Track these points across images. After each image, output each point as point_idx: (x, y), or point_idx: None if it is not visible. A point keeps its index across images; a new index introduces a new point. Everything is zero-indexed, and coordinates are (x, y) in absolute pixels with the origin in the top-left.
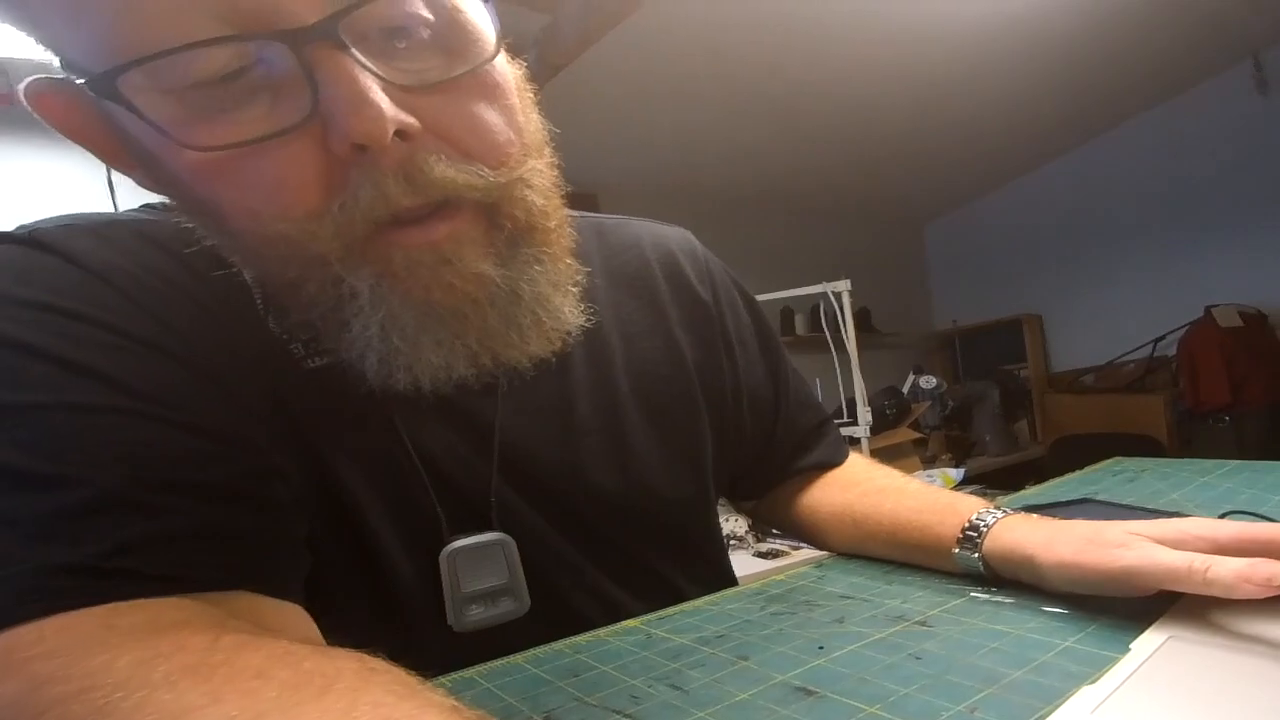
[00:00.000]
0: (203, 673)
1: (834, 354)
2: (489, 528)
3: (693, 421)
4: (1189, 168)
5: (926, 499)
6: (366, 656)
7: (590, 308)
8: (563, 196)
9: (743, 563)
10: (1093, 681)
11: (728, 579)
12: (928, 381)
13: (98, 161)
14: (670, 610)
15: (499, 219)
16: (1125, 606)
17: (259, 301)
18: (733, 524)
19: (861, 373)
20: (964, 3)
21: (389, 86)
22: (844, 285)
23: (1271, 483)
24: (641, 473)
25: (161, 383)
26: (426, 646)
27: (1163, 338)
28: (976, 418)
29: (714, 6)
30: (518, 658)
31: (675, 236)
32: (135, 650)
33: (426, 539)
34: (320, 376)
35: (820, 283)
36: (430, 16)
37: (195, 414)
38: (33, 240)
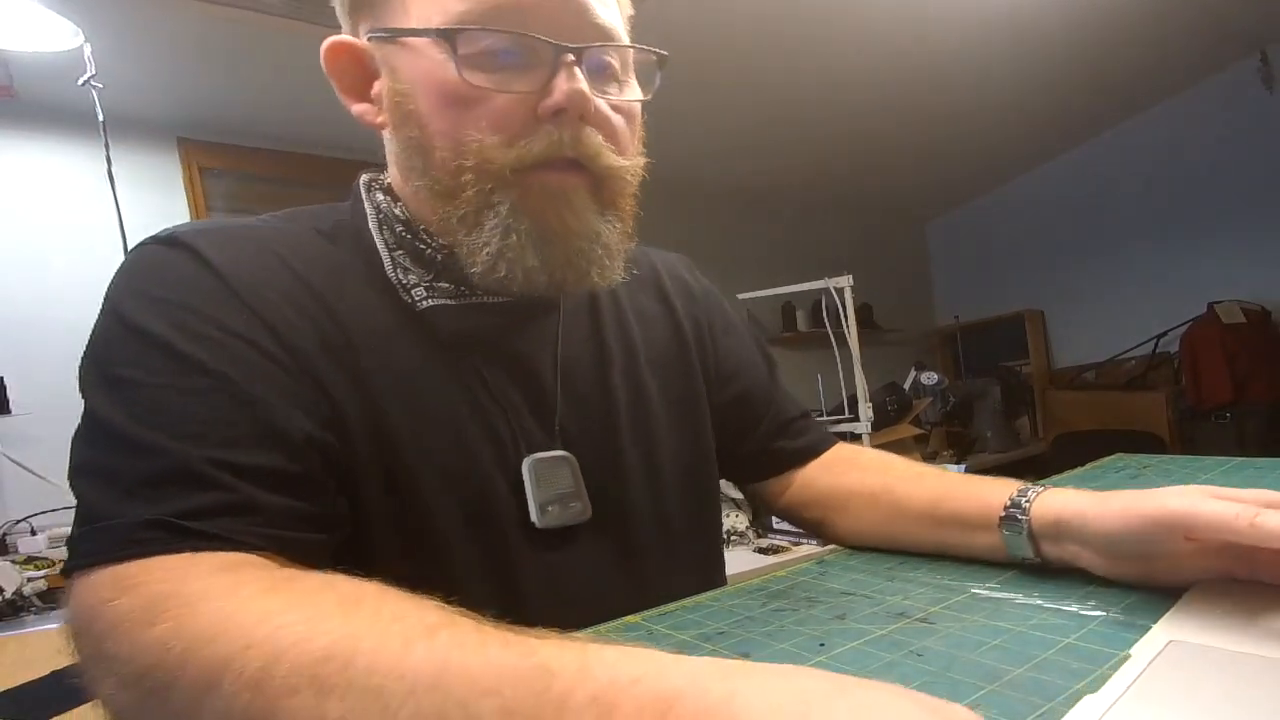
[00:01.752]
0: (277, 590)
1: (835, 350)
2: (555, 447)
3: (694, 391)
4: (1193, 163)
5: (969, 478)
6: (382, 585)
7: (614, 297)
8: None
9: (743, 559)
10: (1094, 691)
11: (719, 560)
12: (929, 378)
13: (95, 157)
14: (671, 606)
15: (602, 188)
16: (1126, 604)
17: (385, 258)
18: (733, 520)
19: (863, 369)
20: (967, 1)
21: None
22: (846, 281)
23: (1273, 480)
24: (652, 423)
25: (249, 373)
26: (514, 547)
27: (1165, 334)
28: (978, 414)
29: (716, 4)
30: None
31: (674, 255)
32: (221, 578)
33: (509, 455)
34: (426, 317)
35: (822, 278)
36: (617, 66)
37: (269, 404)
38: (171, 240)
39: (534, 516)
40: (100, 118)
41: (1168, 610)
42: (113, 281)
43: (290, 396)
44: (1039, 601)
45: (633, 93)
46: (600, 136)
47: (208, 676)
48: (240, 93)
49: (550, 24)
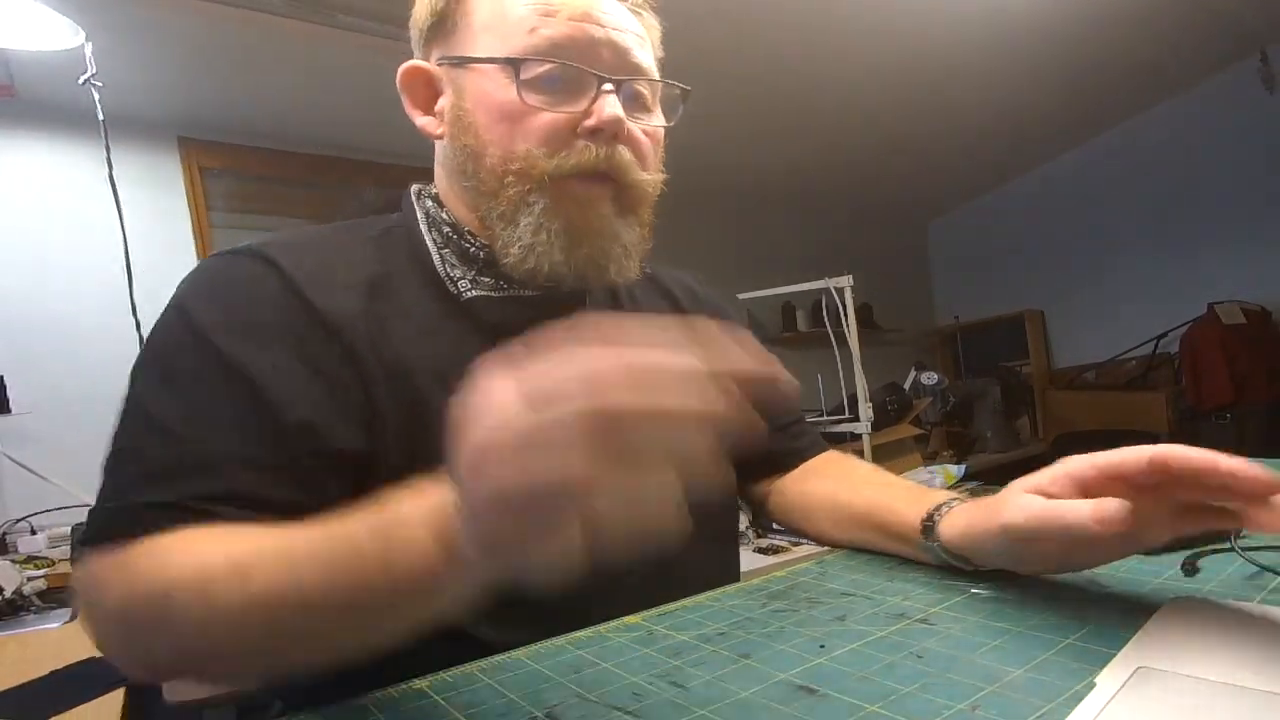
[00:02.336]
0: (227, 540)
1: (836, 350)
2: None
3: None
4: (1193, 164)
5: (905, 489)
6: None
7: (632, 299)
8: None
9: (743, 559)
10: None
11: (735, 553)
12: (929, 378)
13: (95, 156)
14: (671, 606)
15: (624, 196)
16: (1126, 604)
17: (434, 254)
18: None
19: (863, 368)
20: (969, 0)
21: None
22: (846, 281)
23: None
24: None
25: (286, 381)
26: None
27: (1165, 334)
28: (978, 414)
29: (716, 4)
30: (519, 653)
31: (686, 272)
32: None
33: None
34: (469, 307)
35: (822, 278)
36: (649, 97)
37: (295, 410)
38: (250, 252)
39: None
40: (100, 117)
41: (1134, 638)
42: (183, 281)
43: (323, 397)
44: (1039, 601)
45: (658, 120)
46: (629, 154)
47: (162, 601)
48: (241, 92)
49: (596, 60)
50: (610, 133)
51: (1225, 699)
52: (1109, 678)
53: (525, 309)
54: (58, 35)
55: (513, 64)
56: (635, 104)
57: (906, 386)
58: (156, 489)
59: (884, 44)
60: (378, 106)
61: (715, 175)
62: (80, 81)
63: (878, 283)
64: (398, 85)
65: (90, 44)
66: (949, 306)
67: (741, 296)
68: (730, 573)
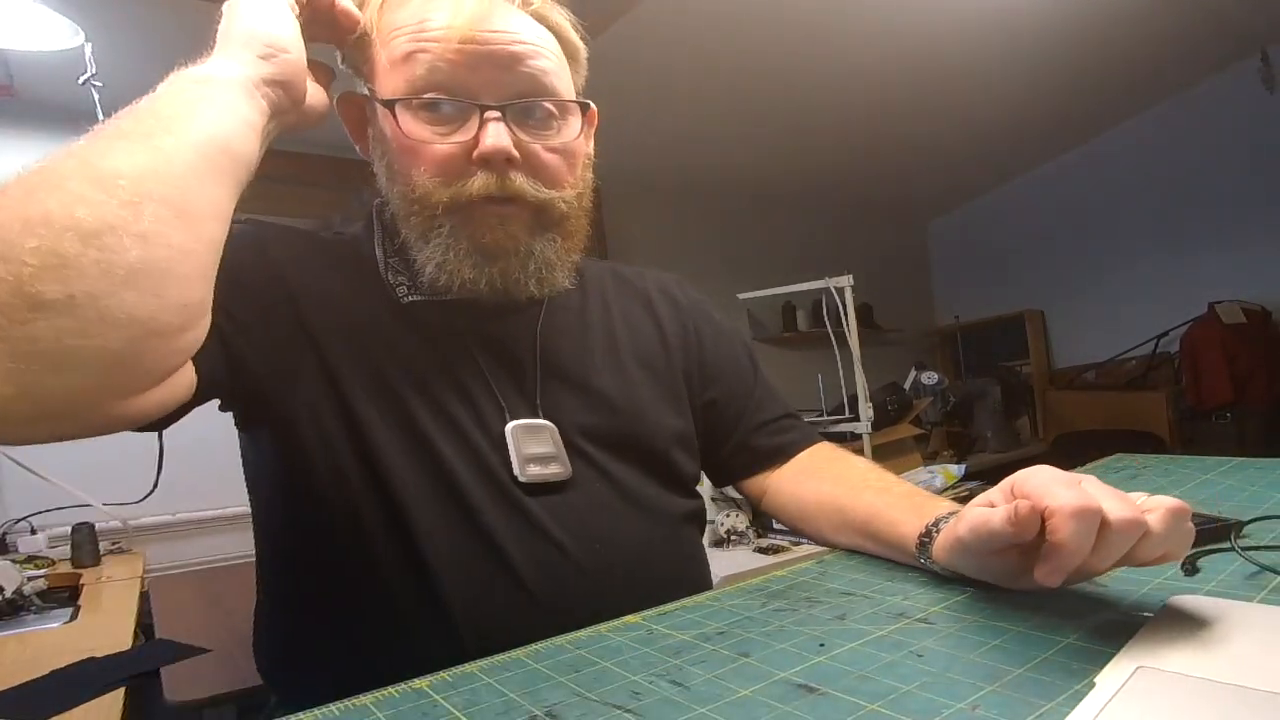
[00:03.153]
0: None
1: (836, 349)
2: (537, 416)
3: (675, 381)
4: (1194, 163)
5: (905, 495)
6: None
7: (604, 301)
8: (589, 214)
9: (743, 559)
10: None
11: (701, 517)
12: (929, 377)
13: None
14: (670, 606)
15: (541, 215)
16: (1126, 604)
17: (381, 262)
18: (733, 520)
19: (863, 368)
20: (969, 0)
21: (514, 137)
22: (846, 281)
23: (1273, 480)
24: (636, 401)
25: (235, 306)
26: (500, 499)
27: (1165, 334)
28: (978, 414)
29: (716, 3)
30: (518, 652)
31: (669, 275)
32: None
33: (493, 422)
34: (412, 309)
35: (822, 278)
36: (554, 109)
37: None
38: (250, 221)
39: (516, 471)
40: (100, 117)
41: (1134, 636)
42: None
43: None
44: (1039, 601)
45: (569, 132)
46: (523, 177)
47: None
48: None
49: (482, 78)
50: (498, 161)
51: (1225, 698)
52: (1109, 677)
53: (465, 312)
54: (57, 35)
55: (388, 105)
56: (534, 119)
57: (906, 386)
58: None
59: (884, 43)
60: None
61: (715, 175)
62: (80, 81)
63: (878, 282)
64: (337, 113)
65: (90, 44)
66: (949, 306)
67: (741, 296)
68: (700, 581)
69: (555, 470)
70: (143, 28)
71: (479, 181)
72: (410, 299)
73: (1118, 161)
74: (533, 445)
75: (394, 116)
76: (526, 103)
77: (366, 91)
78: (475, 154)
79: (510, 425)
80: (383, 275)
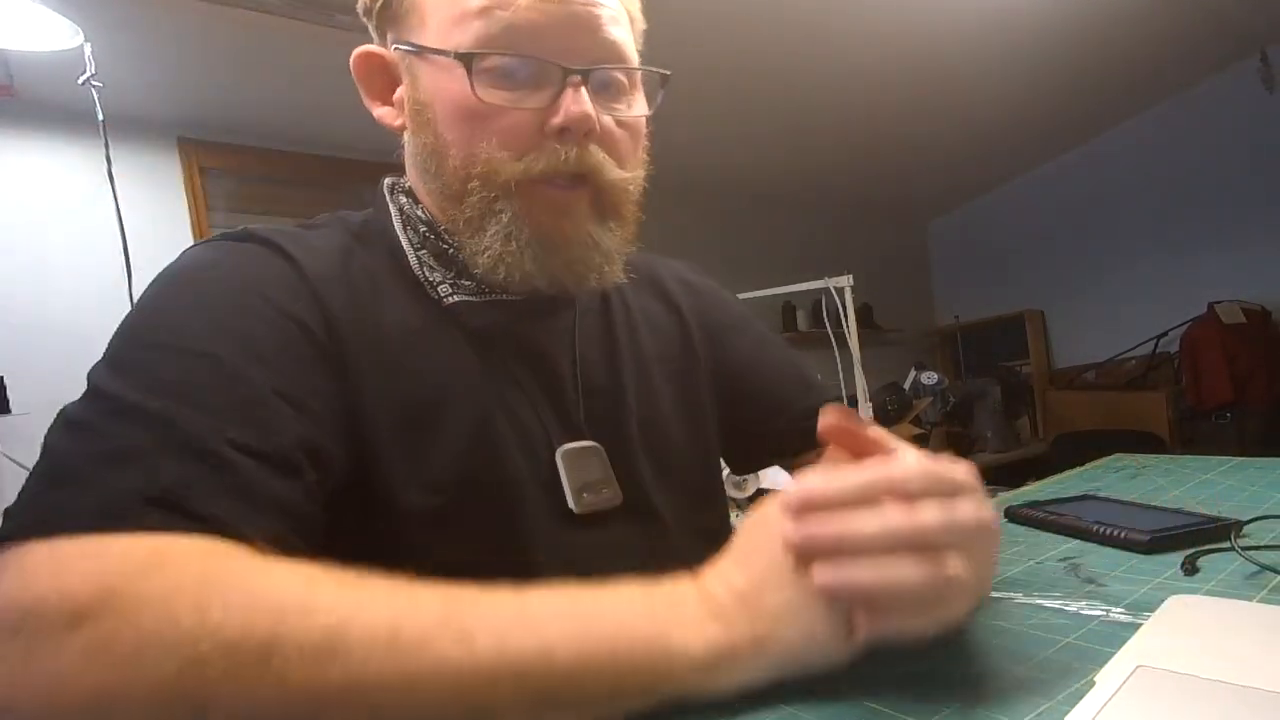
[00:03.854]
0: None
1: (835, 350)
2: (583, 438)
3: (696, 387)
4: (1194, 163)
5: None
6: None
7: (624, 300)
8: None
9: None
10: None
11: (727, 523)
12: (929, 378)
13: (95, 156)
14: None
15: (603, 198)
16: (1127, 603)
17: (410, 256)
18: (734, 521)
19: (863, 369)
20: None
21: (595, 107)
22: (846, 281)
23: (1273, 480)
24: (663, 415)
25: (289, 349)
26: (544, 532)
27: (1165, 334)
28: (978, 414)
29: (716, 3)
30: None
31: (679, 262)
32: (248, 559)
33: (537, 445)
34: (452, 311)
35: (822, 278)
36: (625, 82)
37: (288, 384)
38: (244, 234)
39: (570, 503)
40: (100, 117)
41: (1132, 637)
42: (174, 262)
43: (321, 392)
44: (1039, 601)
45: (639, 108)
46: (602, 152)
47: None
48: (241, 92)
49: (562, 42)
50: (579, 131)
51: (1224, 698)
52: (1108, 677)
53: (509, 312)
54: (57, 35)
55: (463, 59)
56: (609, 91)
57: (906, 386)
58: (140, 474)
59: (884, 43)
60: None
61: (715, 175)
62: (80, 82)
63: (878, 283)
64: (352, 73)
65: (90, 44)
66: (949, 306)
67: (741, 296)
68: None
69: (608, 496)
70: (142, 28)
71: (550, 156)
72: (453, 299)
73: (1117, 162)
74: (583, 470)
75: (469, 75)
76: (611, 69)
77: (401, 45)
78: (555, 122)
79: (562, 449)
80: (417, 273)
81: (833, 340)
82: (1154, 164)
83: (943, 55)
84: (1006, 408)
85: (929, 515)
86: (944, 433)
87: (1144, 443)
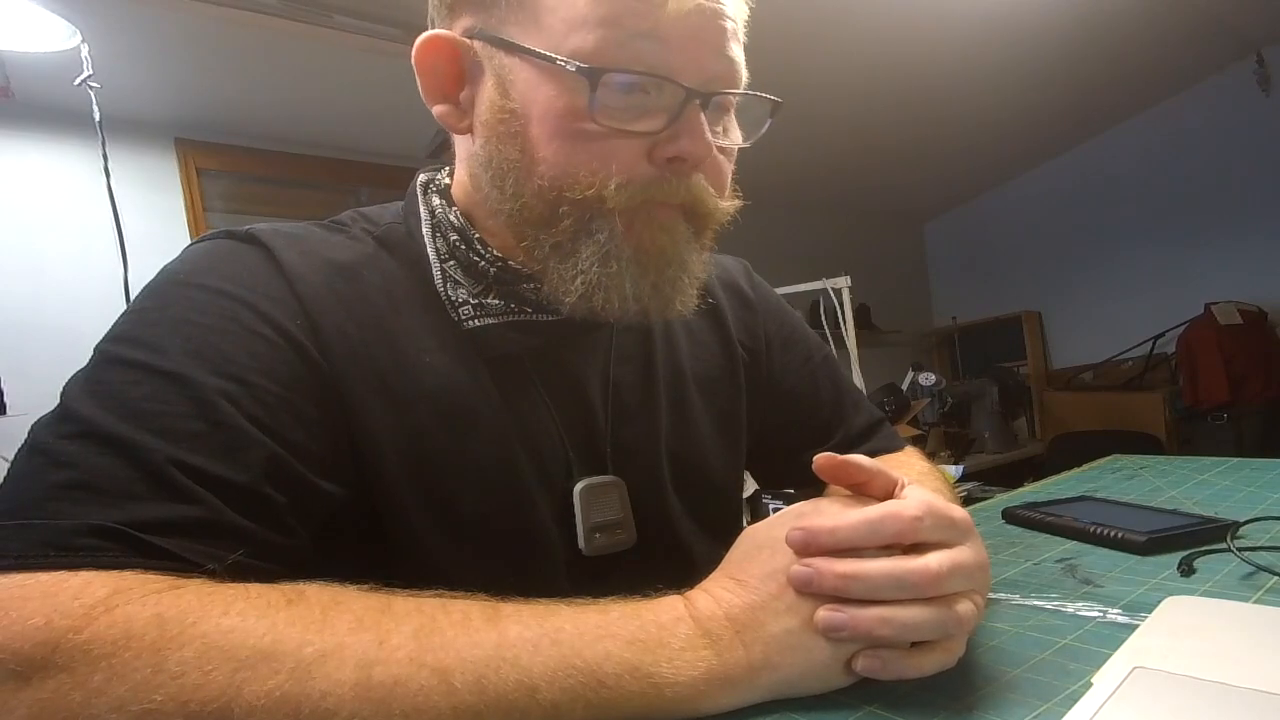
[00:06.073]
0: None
1: (833, 350)
2: (605, 471)
3: (737, 411)
4: (1190, 165)
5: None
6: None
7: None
8: None
9: None
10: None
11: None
12: (927, 378)
13: (92, 157)
14: None
15: (699, 222)
16: (1124, 603)
17: (435, 268)
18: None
19: (861, 369)
20: (966, 2)
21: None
22: (844, 282)
23: (1269, 480)
24: (697, 441)
25: (274, 372)
26: (554, 572)
27: (1162, 335)
28: (975, 415)
29: None
30: None
31: (732, 263)
32: (212, 598)
33: (557, 476)
34: (474, 337)
35: (820, 279)
36: (731, 103)
37: (265, 410)
38: (246, 236)
39: (581, 544)
40: (97, 118)
41: (1128, 638)
42: (173, 261)
43: (306, 419)
44: (1037, 603)
45: (735, 135)
46: (705, 181)
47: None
48: (238, 93)
49: (687, 56)
50: (693, 164)
51: (1221, 698)
52: (1106, 678)
53: (538, 335)
54: (54, 36)
55: (590, 75)
56: (718, 116)
57: (904, 387)
58: (100, 507)
59: (882, 44)
60: (376, 107)
61: None
62: (76, 83)
63: (875, 283)
64: (414, 63)
65: (87, 45)
66: (947, 307)
67: None
68: None
69: (621, 539)
70: (140, 29)
71: (658, 186)
72: (474, 323)
73: (1114, 163)
74: (600, 509)
75: (592, 92)
76: (735, 95)
77: (489, 37)
78: (668, 149)
79: (580, 486)
80: (438, 287)
81: (830, 341)
82: (1150, 165)
83: (940, 57)
84: (1004, 408)
85: (938, 562)
86: (942, 433)
87: (1141, 443)
